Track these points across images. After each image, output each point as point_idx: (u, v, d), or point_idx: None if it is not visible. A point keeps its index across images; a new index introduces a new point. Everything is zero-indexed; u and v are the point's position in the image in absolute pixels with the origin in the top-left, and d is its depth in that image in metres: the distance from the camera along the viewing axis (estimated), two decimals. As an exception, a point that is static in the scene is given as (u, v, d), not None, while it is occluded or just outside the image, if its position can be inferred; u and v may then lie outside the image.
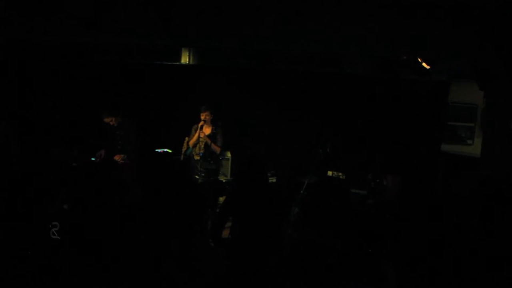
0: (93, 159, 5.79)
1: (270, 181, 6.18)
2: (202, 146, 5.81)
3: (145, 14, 3.94)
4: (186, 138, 5.99)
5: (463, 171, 6.08)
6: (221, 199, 6.26)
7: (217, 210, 5.85)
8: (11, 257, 2.69)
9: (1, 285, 2.60)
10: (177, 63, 6.50)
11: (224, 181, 6.11)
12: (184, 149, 6.02)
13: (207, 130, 5.85)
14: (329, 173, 6.01)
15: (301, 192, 5.46)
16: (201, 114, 5.76)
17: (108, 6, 3.94)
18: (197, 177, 5.68)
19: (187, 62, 6.47)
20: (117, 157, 5.77)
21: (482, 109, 6.41)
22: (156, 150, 6.26)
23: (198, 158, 5.78)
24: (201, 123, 5.75)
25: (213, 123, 5.88)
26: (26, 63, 6.32)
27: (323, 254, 3.21)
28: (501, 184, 3.18)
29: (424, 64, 4.97)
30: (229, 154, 6.43)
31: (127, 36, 4.21)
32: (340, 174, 5.93)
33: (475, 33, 3.91)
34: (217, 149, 5.84)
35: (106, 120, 5.77)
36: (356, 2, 3.82)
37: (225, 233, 3.58)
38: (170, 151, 6.28)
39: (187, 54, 6.42)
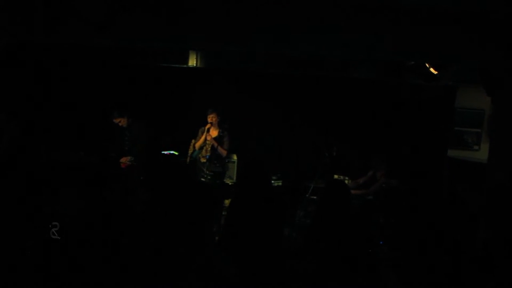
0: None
1: (276, 184, 6.19)
2: (209, 148, 5.83)
3: (153, 18, 3.98)
4: (193, 141, 6.01)
5: (470, 177, 6.06)
6: (227, 202, 6.28)
7: (223, 213, 5.88)
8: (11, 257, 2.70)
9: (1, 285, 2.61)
10: (185, 66, 6.53)
11: (230, 184, 6.13)
12: (190, 152, 6.04)
13: (214, 133, 5.87)
14: (335, 177, 6.01)
15: (307, 196, 5.47)
16: (208, 116, 5.78)
17: (117, 10, 3.98)
18: (203, 179, 5.71)
19: (195, 64, 6.50)
20: (123, 159, 5.81)
21: (489, 114, 6.40)
22: (163, 152, 6.28)
23: (205, 160, 5.80)
24: (208, 125, 5.76)
25: (220, 125, 5.89)
26: (36, 64, 6.36)
27: (327, 258, 3.22)
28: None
29: (431, 69, 4.97)
30: (235, 157, 6.44)
31: (136, 39, 4.25)
32: (346, 178, 5.93)
33: (483, 39, 3.91)
34: (223, 152, 5.86)
35: (116, 121, 5.81)
36: (363, 8, 3.84)
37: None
38: (176, 153, 6.30)
39: (195, 56, 6.45)
